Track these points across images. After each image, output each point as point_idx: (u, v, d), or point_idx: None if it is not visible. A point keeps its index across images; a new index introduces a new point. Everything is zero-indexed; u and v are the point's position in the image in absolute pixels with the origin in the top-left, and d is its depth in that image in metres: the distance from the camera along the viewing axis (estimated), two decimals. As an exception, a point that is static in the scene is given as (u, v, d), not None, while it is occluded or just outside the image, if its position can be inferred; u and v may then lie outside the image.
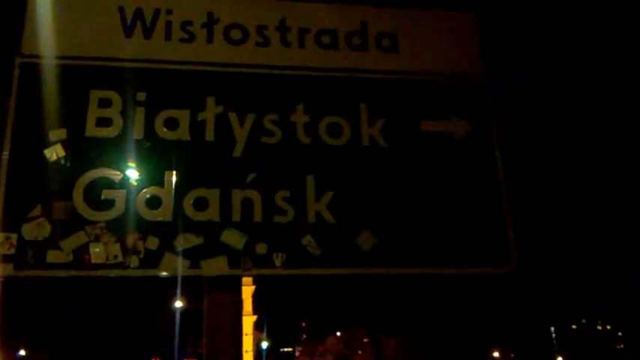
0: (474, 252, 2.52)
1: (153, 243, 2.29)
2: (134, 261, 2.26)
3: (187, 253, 2.30)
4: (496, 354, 65.89)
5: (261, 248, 2.35)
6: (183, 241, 2.30)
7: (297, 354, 70.96)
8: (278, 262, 2.35)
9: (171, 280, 2.37)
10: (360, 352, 59.07)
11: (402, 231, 2.48)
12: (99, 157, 2.39)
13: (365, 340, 60.10)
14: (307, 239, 2.39)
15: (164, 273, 2.27)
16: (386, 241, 2.45)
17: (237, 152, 2.49)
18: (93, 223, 2.28)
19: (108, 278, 2.28)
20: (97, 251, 2.24)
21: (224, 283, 2.37)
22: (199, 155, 2.46)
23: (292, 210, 2.43)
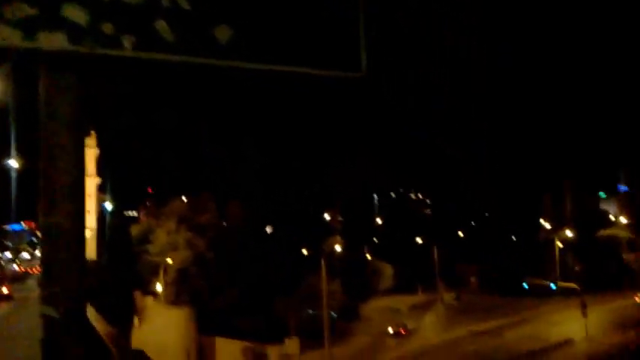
0: (327, 54, 2.51)
1: None
2: (-45, 26, 1.95)
3: (21, 24, 2.02)
4: (327, 216, 76.21)
5: (107, 28, 2.13)
6: (15, 10, 2.01)
7: (141, 217, 71.77)
8: (127, 44, 2.15)
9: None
10: (206, 214, 61.92)
11: (260, 27, 2.38)
12: None
13: (210, 203, 62.89)
14: (161, 24, 2.20)
15: None
16: (243, 35, 2.34)
17: None
18: None
19: None
20: None
21: (64, 64, 2.15)
22: None
23: None
